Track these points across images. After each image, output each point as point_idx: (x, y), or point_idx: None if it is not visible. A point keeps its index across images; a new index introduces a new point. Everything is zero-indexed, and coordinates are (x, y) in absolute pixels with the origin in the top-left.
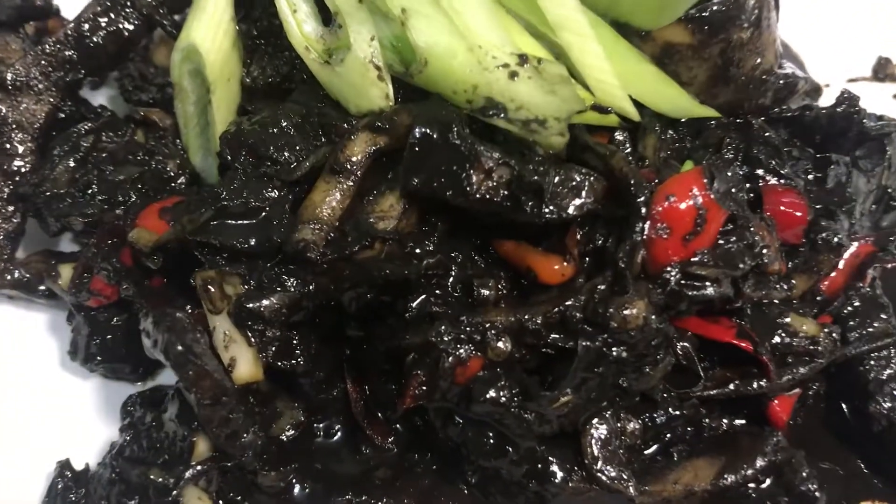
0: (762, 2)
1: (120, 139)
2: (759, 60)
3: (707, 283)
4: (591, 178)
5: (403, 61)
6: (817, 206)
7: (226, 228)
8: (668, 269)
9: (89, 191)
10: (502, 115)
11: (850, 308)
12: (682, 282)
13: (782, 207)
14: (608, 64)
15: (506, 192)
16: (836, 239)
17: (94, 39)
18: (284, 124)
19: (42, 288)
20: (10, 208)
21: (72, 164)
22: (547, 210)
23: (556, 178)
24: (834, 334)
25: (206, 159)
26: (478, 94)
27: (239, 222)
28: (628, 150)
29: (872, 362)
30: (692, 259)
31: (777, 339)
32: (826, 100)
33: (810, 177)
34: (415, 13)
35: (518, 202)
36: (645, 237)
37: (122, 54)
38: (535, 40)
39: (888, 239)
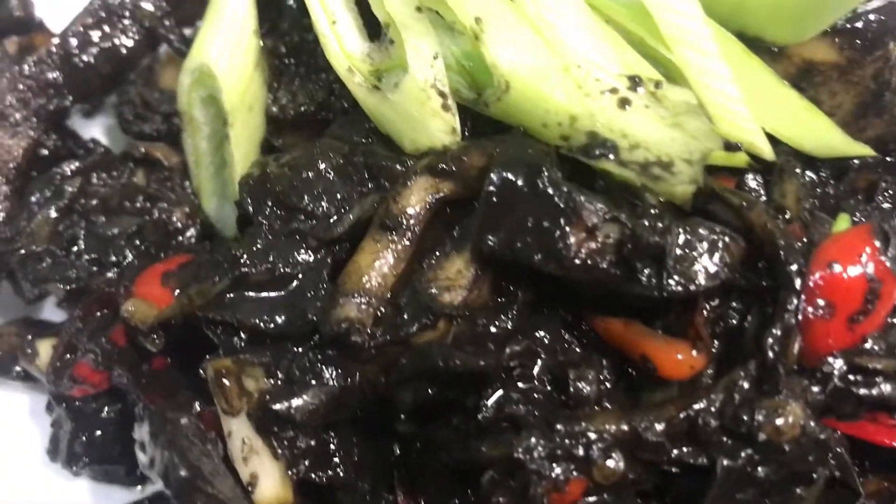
0: None
1: (115, 181)
2: None
3: (880, 379)
4: (727, 239)
5: (475, 85)
6: None
7: (246, 303)
8: (830, 359)
9: (74, 248)
10: (612, 157)
11: None
12: (849, 377)
13: None
14: (737, 89)
15: (614, 258)
16: None
17: (85, 58)
18: (321, 166)
19: (17, 369)
20: None
21: (53, 213)
22: (671, 282)
23: (682, 238)
24: None
25: (221, 206)
26: (577, 127)
27: (263, 294)
28: (762, 198)
29: None
30: (861, 346)
31: None
32: None
33: None
34: (493, 24)
35: (631, 270)
36: (800, 318)
37: (120, 76)
38: (642, 58)
39: None
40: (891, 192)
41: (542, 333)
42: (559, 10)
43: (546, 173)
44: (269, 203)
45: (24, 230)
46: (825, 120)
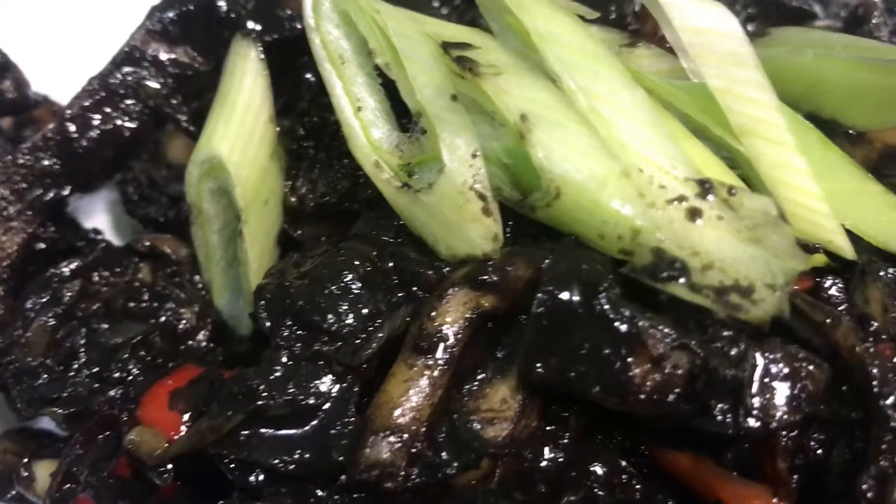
0: None
1: (118, 279)
2: None
3: None
4: (811, 367)
5: (520, 186)
6: None
7: (263, 440)
8: None
9: (74, 363)
10: (683, 280)
11: None
12: None
13: None
14: (815, 183)
15: (683, 391)
16: None
17: (84, 143)
18: (348, 277)
19: (13, 492)
20: None
21: (51, 321)
22: (750, 420)
23: (760, 369)
24: None
25: (235, 302)
26: (641, 242)
27: (282, 431)
28: (844, 303)
29: None
30: None
31: None
32: None
33: None
34: (541, 120)
35: (703, 405)
36: None
37: (123, 161)
38: (708, 151)
39: None
40: None
41: (598, 466)
42: (615, 101)
43: (605, 293)
44: (289, 322)
45: (19, 340)
46: None
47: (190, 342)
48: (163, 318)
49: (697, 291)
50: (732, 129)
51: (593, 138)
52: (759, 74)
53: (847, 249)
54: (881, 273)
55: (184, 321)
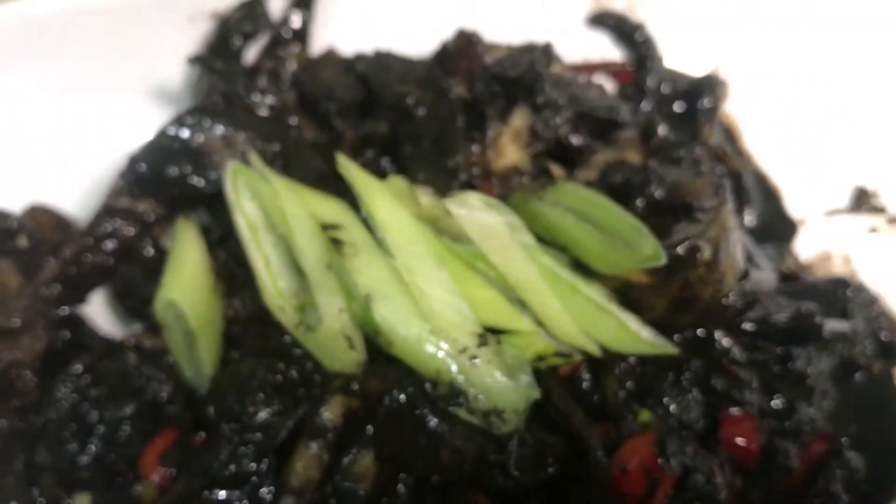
0: (720, 236)
1: (115, 367)
2: (718, 287)
3: None
4: (552, 446)
5: (374, 330)
6: (777, 402)
7: (217, 500)
8: None
9: (92, 438)
10: (464, 406)
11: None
12: None
13: (737, 440)
14: (566, 315)
15: (473, 467)
16: (788, 462)
17: (80, 275)
18: (265, 386)
19: None
20: (22, 442)
21: (74, 405)
22: (511, 480)
23: (518, 451)
24: None
25: (196, 375)
26: (441, 378)
27: (228, 490)
28: (588, 386)
29: None
30: None
31: None
32: (802, 241)
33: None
34: (379, 296)
35: (483, 473)
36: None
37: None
38: (504, 299)
39: (840, 438)
40: (690, 372)
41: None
42: (429, 276)
43: (423, 407)
44: (229, 420)
45: (52, 419)
46: (632, 334)
47: (168, 408)
48: (147, 394)
49: (471, 413)
50: (512, 285)
51: (412, 306)
52: (520, 252)
53: (594, 350)
54: (615, 371)
55: (162, 394)
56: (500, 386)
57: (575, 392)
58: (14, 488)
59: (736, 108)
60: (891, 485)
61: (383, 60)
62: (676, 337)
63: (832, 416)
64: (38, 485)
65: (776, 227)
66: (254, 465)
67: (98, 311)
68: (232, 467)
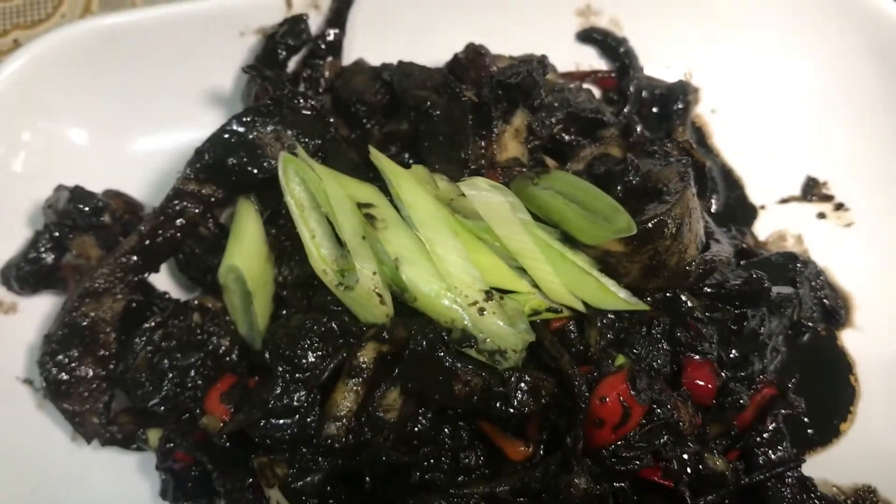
0: (683, 213)
1: (182, 324)
2: (682, 256)
3: (633, 461)
4: (545, 382)
5: (400, 287)
6: (733, 354)
7: (272, 426)
8: (603, 451)
9: (165, 382)
10: (474, 347)
11: (758, 439)
12: (614, 460)
13: (697, 381)
14: (557, 278)
15: (480, 395)
16: (740, 401)
17: (153, 248)
18: (311, 335)
19: (134, 446)
20: (104, 385)
21: (148, 354)
22: (511, 409)
23: (518, 385)
24: (739, 468)
25: (250, 332)
26: (455, 326)
27: (281, 420)
28: (575, 336)
29: (777, 484)
30: (620, 443)
31: (694, 475)
32: (761, 224)
33: (733, 326)
34: (406, 261)
35: (489, 403)
36: (584, 428)
37: (177, 249)
38: (506, 265)
39: (787, 385)
40: (660, 326)
41: (447, 427)
42: (445, 245)
43: (440, 348)
44: (281, 362)
45: (131, 366)
46: (611, 294)
47: (227, 359)
48: (210, 346)
49: (479, 353)
50: (512, 253)
51: (433, 269)
52: (519, 226)
53: (580, 306)
54: (597, 323)
55: (222, 347)
56: (502, 331)
57: (564, 341)
58: (97, 426)
59: (706, 110)
60: (828, 426)
61: (405, 69)
62: (647, 297)
63: (782, 368)
64: (117, 423)
65: (739, 211)
66: (302, 397)
67: (162, 280)
68: (285, 399)
